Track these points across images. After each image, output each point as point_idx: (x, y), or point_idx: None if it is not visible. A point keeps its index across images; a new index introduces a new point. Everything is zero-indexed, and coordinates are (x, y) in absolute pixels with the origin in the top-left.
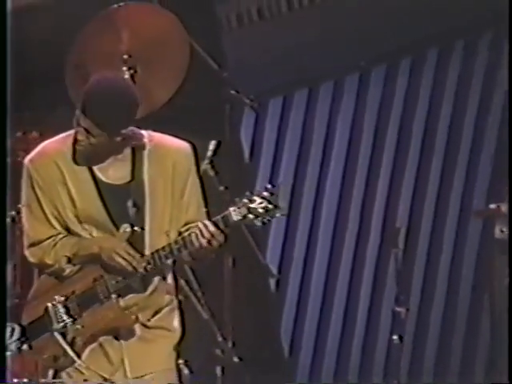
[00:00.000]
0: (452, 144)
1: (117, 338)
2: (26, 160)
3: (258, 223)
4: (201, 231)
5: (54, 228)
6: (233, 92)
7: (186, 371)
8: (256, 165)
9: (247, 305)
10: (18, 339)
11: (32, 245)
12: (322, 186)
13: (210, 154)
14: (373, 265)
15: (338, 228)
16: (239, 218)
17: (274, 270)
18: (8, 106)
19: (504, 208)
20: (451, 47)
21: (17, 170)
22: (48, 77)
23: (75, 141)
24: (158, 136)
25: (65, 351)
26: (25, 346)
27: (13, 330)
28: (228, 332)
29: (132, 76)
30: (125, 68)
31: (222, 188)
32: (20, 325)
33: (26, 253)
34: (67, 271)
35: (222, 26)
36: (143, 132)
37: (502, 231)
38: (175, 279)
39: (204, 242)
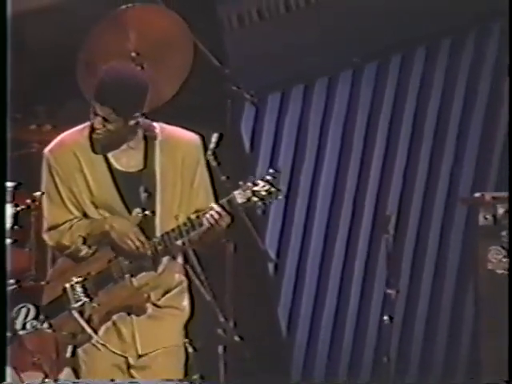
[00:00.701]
0: (439, 136)
1: (129, 315)
2: (46, 151)
3: (261, 205)
4: (209, 213)
5: (71, 213)
6: (234, 88)
7: (190, 349)
8: (256, 155)
9: (247, 287)
10: (34, 319)
11: (50, 228)
12: (317, 176)
13: (212, 145)
14: (365, 250)
15: (333, 216)
16: (244, 200)
17: (273, 255)
18: (8, 107)
19: (488, 196)
20: (439, 46)
21: (31, 161)
22: (60, 74)
23: (92, 130)
24: (168, 128)
25: (82, 328)
26: (45, 325)
27: (28, 310)
28: (229, 313)
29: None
30: (132, 65)
31: (223, 177)
32: (35, 305)
33: (45, 236)
34: (83, 252)
35: (224, 26)
36: (155, 124)
37: (485, 218)
38: (185, 260)
39: (212, 221)
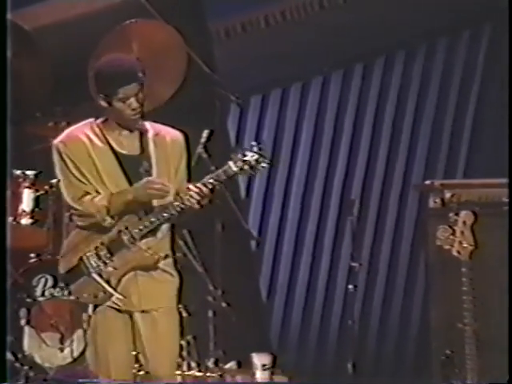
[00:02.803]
0: (396, 132)
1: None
2: (56, 142)
3: (252, 172)
4: (193, 192)
5: (86, 185)
6: (221, 91)
7: (184, 314)
8: (240, 148)
9: (233, 261)
10: (51, 287)
11: (74, 200)
12: (292, 167)
13: (203, 140)
14: (333, 229)
15: (306, 200)
16: (237, 169)
17: (255, 234)
18: (7, 107)
19: (437, 183)
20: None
21: (49, 153)
22: (74, 78)
23: (106, 120)
24: (157, 125)
25: (103, 288)
26: (65, 292)
27: (46, 280)
28: (218, 283)
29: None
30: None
31: (213, 168)
32: (52, 275)
33: (73, 205)
34: (107, 222)
35: (213, 38)
36: (145, 122)
37: (434, 201)
38: (180, 237)
39: (199, 198)
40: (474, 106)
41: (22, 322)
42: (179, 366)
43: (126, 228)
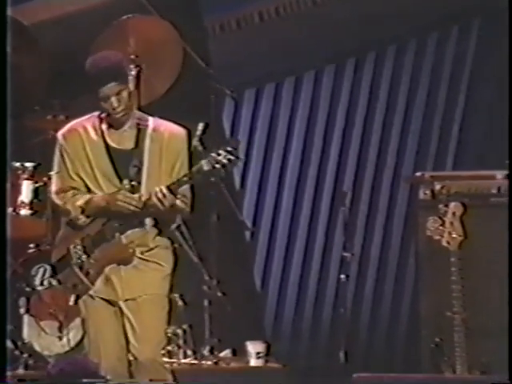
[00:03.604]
0: (387, 125)
1: (119, 265)
2: (58, 133)
3: (223, 171)
4: (157, 193)
5: (74, 181)
6: (217, 85)
7: (180, 303)
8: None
9: (228, 251)
10: (50, 277)
11: (57, 192)
12: (286, 159)
13: (199, 133)
14: (326, 220)
15: (299, 192)
16: (209, 167)
17: (249, 224)
18: (8, 108)
19: (427, 175)
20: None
21: (48, 146)
22: (72, 73)
23: (108, 115)
24: (160, 120)
25: (81, 280)
26: (55, 282)
27: (45, 269)
28: (213, 272)
29: (138, 72)
30: (132, 66)
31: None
32: (51, 265)
33: (53, 197)
34: (81, 221)
35: (209, 34)
36: (149, 117)
37: (425, 193)
38: (176, 228)
39: (160, 197)
40: (463, 99)
41: (22, 310)
42: (175, 354)
43: (109, 220)
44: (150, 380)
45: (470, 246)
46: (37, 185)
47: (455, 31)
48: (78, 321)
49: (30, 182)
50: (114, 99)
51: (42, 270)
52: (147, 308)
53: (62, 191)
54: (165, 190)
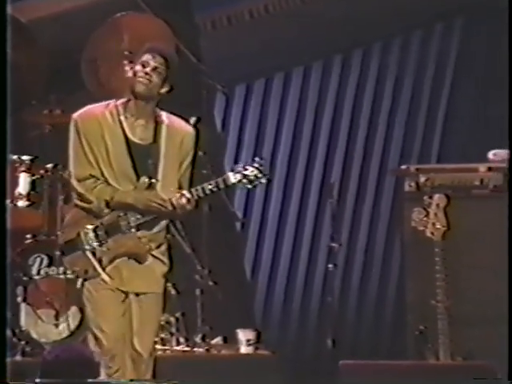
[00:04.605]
0: (373, 119)
1: (136, 261)
2: (75, 115)
3: (250, 186)
4: (181, 198)
5: (93, 168)
6: (208, 80)
7: (173, 292)
8: (226, 134)
9: (219, 241)
10: (47, 266)
11: (78, 180)
12: (276, 153)
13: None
14: (314, 211)
15: (288, 184)
16: (235, 181)
17: (240, 216)
18: (8, 108)
19: (412, 168)
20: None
21: (44, 139)
22: (68, 68)
23: (127, 102)
24: (172, 116)
25: (93, 266)
26: (51, 271)
27: (42, 259)
28: (205, 262)
29: (132, 68)
30: (126, 61)
31: (200, 153)
32: (48, 255)
33: (74, 184)
34: (104, 212)
35: (200, 30)
36: (161, 112)
37: (410, 185)
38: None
39: (183, 203)
40: (446, 95)
41: (19, 299)
42: (168, 342)
43: (125, 214)
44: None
45: (454, 236)
46: (34, 177)
47: (439, 29)
48: (74, 309)
49: (27, 174)
50: (153, 72)
51: (38, 259)
52: (148, 305)
53: (84, 179)
54: (188, 195)
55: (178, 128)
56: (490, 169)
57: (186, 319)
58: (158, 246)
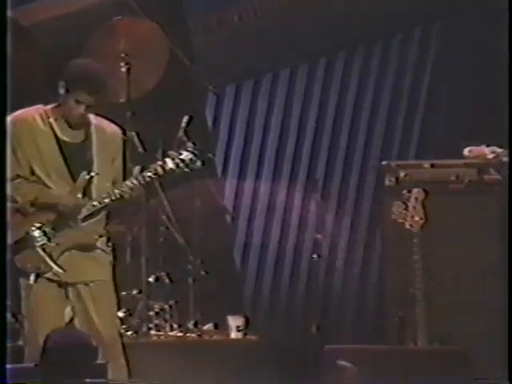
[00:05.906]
0: (356, 117)
1: (84, 252)
2: (10, 117)
3: (187, 170)
4: (129, 183)
5: (21, 168)
6: (200, 81)
7: (167, 281)
8: (217, 132)
9: (211, 233)
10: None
11: (11, 179)
12: (264, 148)
13: (183, 125)
14: (299, 204)
15: (275, 178)
16: (173, 166)
17: (230, 209)
18: (8, 108)
19: (392, 164)
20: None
21: None
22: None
23: (57, 106)
24: (100, 118)
25: (44, 261)
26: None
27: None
28: (197, 253)
29: (128, 69)
30: (122, 63)
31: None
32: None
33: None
34: (30, 211)
35: (193, 34)
36: (89, 115)
37: (390, 180)
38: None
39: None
40: (425, 95)
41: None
42: (162, 328)
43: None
44: (106, 362)
45: (431, 228)
46: None
47: (418, 33)
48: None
49: None
50: (83, 107)
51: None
52: (99, 293)
53: (11, 179)
54: (135, 181)
55: (106, 127)
56: (465, 165)
57: (179, 306)
58: (100, 236)
